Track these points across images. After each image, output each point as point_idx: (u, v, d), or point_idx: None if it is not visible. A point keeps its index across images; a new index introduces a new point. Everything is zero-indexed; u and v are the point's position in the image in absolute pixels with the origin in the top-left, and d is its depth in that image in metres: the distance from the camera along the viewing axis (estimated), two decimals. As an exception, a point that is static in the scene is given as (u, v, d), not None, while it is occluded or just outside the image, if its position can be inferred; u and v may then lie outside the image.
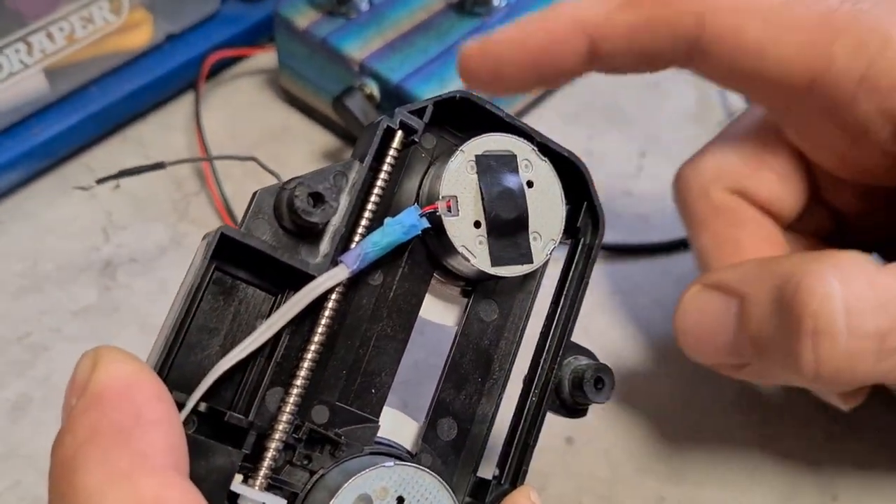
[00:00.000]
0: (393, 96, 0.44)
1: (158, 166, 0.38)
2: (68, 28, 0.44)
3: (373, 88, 0.44)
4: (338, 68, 0.46)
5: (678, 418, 0.40)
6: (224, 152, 0.48)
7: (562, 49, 0.34)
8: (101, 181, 0.38)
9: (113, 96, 0.47)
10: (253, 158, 0.41)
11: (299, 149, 0.49)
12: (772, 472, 0.39)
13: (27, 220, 0.45)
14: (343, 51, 0.45)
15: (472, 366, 0.28)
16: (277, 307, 0.25)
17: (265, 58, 0.52)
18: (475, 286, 0.28)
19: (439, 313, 0.29)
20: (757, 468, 0.39)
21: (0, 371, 0.40)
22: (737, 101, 0.54)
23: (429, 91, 0.43)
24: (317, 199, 0.24)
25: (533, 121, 0.47)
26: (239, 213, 0.44)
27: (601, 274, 0.46)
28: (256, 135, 0.50)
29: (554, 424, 0.39)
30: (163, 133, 0.49)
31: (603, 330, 0.43)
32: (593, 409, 0.40)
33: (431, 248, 0.27)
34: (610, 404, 0.40)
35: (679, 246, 0.47)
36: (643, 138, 0.53)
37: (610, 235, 0.46)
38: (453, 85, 0.43)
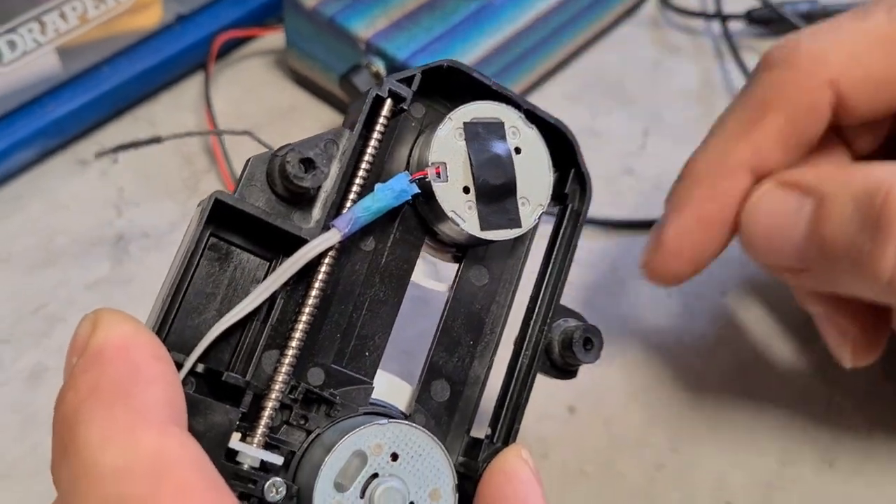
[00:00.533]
0: (398, 74, 0.44)
1: (155, 140, 0.39)
2: (81, 8, 0.45)
3: (379, 66, 0.45)
4: (345, 47, 0.46)
5: (678, 388, 0.41)
6: (231, 131, 0.48)
7: (742, 199, 0.34)
8: (99, 155, 0.39)
9: (124, 76, 0.48)
10: (247, 133, 0.42)
11: (307, 127, 0.50)
12: (770, 439, 0.39)
13: (42, 196, 0.46)
14: (350, 29, 0.46)
15: (464, 329, 0.29)
16: (272, 273, 0.26)
17: (273, 38, 0.53)
18: (466, 252, 0.29)
19: (432, 280, 0.29)
20: (755, 436, 0.40)
21: (18, 341, 0.41)
22: (738, 82, 0.55)
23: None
24: (308, 164, 0.25)
25: (536, 100, 0.47)
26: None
27: (603, 249, 0.46)
28: (264, 113, 0.51)
29: (556, 394, 0.40)
30: (173, 112, 0.50)
31: (605, 304, 0.44)
32: (595, 379, 0.41)
33: (422, 214, 0.28)
34: (611, 375, 0.41)
35: (681, 221, 0.47)
36: (646, 117, 0.53)
37: (612, 211, 0.47)
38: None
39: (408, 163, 0.28)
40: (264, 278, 0.26)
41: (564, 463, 0.39)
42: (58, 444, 0.21)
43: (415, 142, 0.28)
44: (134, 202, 0.46)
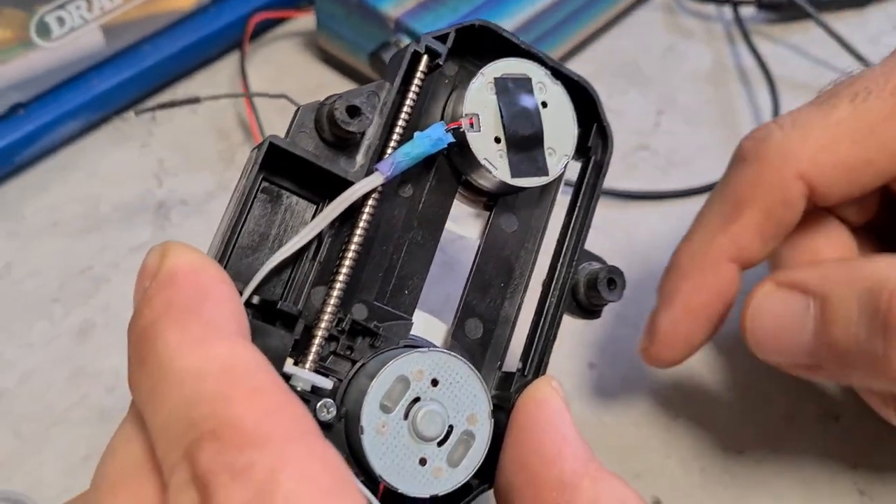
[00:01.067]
0: (425, 50, 0.47)
1: (193, 101, 0.42)
2: (124, -13, 0.47)
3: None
4: (373, 26, 0.49)
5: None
6: (264, 108, 0.51)
7: (726, 289, 0.36)
8: (139, 113, 0.42)
9: (163, 53, 0.50)
10: (283, 96, 0.44)
11: (336, 104, 0.53)
12: (778, 395, 0.41)
13: (86, 166, 0.49)
14: (379, 9, 0.48)
15: (495, 272, 0.31)
16: (320, 213, 0.28)
17: (304, 21, 0.55)
18: (496, 200, 0.31)
19: (464, 227, 0.32)
20: (764, 392, 0.42)
21: (67, 300, 0.43)
22: (749, 65, 0.57)
23: (459, 45, 0.47)
24: (353, 111, 0.27)
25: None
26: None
27: (619, 219, 0.48)
28: (295, 91, 0.53)
29: (577, 352, 0.43)
30: (209, 90, 0.53)
31: (621, 268, 0.46)
32: (613, 338, 0.43)
33: (456, 165, 0.30)
34: (628, 334, 0.43)
35: (692, 193, 0.49)
36: (660, 98, 0.55)
37: (628, 184, 0.50)
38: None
39: (442, 116, 0.30)
40: (312, 219, 0.28)
41: (584, 413, 0.41)
42: (134, 357, 0.23)
43: (448, 98, 0.30)
44: (173, 173, 0.49)
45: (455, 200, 0.31)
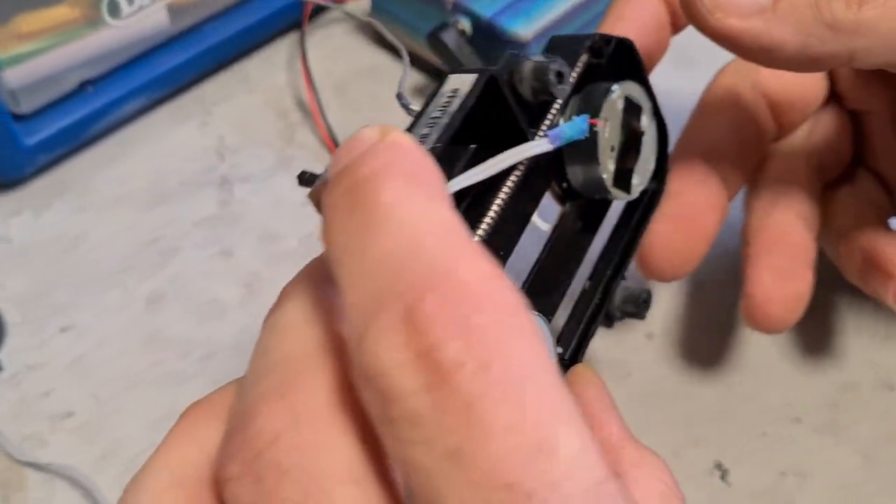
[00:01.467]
0: (485, 31, 0.48)
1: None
2: (191, -32, 0.48)
3: (465, 25, 0.49)
4: (430, 8, 0.50)
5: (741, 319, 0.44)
6: (320, 88, 0.52)
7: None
8: None
9: (224, 34, 0.52)
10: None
11: (390, 85, 0.54)
12: (833, 364, 0.43)
13: (150, 143, 0.50)
14: (437, -9, 0.49)
15: (554, 261, 0.33)
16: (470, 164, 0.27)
17: (358, 3, 0.57)
18: (571, 198, 0.33)
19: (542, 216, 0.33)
20: (820, 360, 0.43)
21: (137, 271, 0.44)
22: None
23: (517, 26, 0.48)
24: (560, 77, 0.27)
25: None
26: (341, 140, 0.49)
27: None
28: (349, 73, 0.54)
29: (634, 323, 0.44)
30: (266, 70, 0.54)
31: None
32: (670, 309, 0.44)
33: (565, 155, 0.31)
34: (685, 305, 0.44)
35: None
36: (705, 82, 0.56)
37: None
38: (539, 20, 0.48)
39: (563, 111, 0.31)
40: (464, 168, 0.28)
41: (643, 381, 0.42)
42: (342, 203, 0.20)
43: (571, 95, 0.31)
44: (234, 150, 0.50)
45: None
